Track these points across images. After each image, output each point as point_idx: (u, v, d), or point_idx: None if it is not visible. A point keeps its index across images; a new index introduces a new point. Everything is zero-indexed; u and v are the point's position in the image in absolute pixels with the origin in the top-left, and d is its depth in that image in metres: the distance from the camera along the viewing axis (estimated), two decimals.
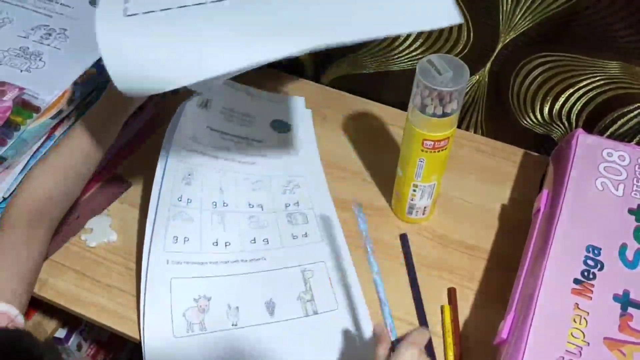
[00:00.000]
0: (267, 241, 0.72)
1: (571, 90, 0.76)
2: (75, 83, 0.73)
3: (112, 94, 0.67)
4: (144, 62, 0.54)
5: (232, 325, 0.65)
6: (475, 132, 0.87)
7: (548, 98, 0.78)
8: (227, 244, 0.71)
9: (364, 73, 0.88)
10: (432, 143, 0.66)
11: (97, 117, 0.68)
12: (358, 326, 0.66)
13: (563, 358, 0.55)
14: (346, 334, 0.66)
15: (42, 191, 0.65)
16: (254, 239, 0.72)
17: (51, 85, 0.72)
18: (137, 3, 0.57)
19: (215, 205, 0.73)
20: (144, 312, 0.64)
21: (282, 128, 0.82)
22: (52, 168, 0.66)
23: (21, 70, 0.73)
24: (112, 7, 0.57)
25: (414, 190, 0.72)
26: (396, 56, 0.83)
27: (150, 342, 0.63)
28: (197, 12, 0.56)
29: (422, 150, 0.67)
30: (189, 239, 0.70)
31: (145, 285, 0.65)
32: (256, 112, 0.84)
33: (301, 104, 0.87)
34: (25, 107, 0.69)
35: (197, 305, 0.66)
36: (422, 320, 0.68)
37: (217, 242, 0.71)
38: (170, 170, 0.71)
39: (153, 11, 0.56)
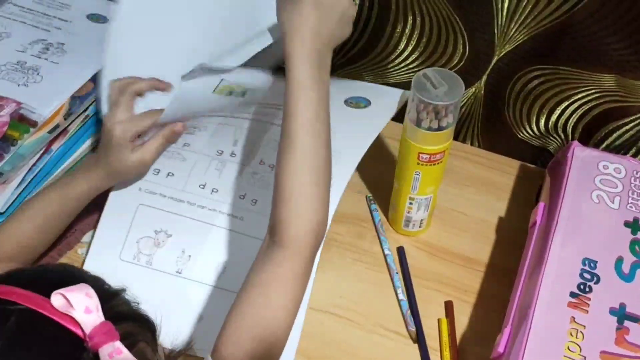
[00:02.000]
0: (255, 202, 0.66)
1: (567, 103, 0.77)
2: (72, 97, 0.74)
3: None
4: None
5: (176, 272, 0.63)
6: (471, 144, 0.88)
7: (544, 111, 0.78)
8: (214, 190, 0.66)
9: None
10: (428, 156, 0.67)
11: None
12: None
13: None
14: None
15: (18, 237, 0.63)
16: (244, 195, 0.66)
17: (48, 100, 0.72)
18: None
19: (221, 153, 0.68)
20: (100, 226, 0.64)
21: (359, 103, 0.71)
22: (29, 213, 0.64)
23: (19, 85, 0.74)
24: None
25: (411, 203, 0.72)
26: (393, 68, 0.84)
27: (95, 254, 0.64)
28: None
29: (418, 164, 0.68)
30: (173, 175, 0.66)
31: (107, 208, 0.64)
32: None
33: (395, 94, 0.75)
34: (22, 121, 0.70)
35: (155, 238, 0.64)
36: (419, 334, 0.67)
37: (204, 186, 0.66)
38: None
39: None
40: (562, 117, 0.79)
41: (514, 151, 0.84)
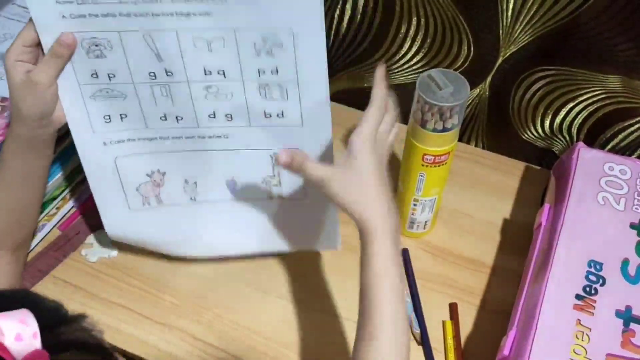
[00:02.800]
0: (231, 117, 0.59)
1: (572, 104, 0.76)
2: None
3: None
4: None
5: (190, 199, 0.63)
6: (476, 145, 0.87)
7: (549, 112, 0.78)
8: (179, 118, 0.59)
9: (364, 87, 0.88)
10: (433, 158, 0.66)
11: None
12: (323, 218, 0.61)
13: None
14: (310, 223, 0.62)
15: None
16: (214, 113, 0.59)
17: None
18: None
19: (155, 75, 0.57)
20: (94, 192, 0.64)
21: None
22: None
23: None
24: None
25: (415, 205, 0.72)
26: (396, 69, 0.84)
27: (107, 219, 0.65)
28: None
29: (423, 165, 0.67)
30: (126, 116, 0.59)
31: (88, 174, 0.62)
32: None
33: None
34: None
35: (151, 179, 0.63)
36: (424, 336, 0.67)
37: (165, 117, 0.59)
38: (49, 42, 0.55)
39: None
40: (567, 118, 0.78)
41: (519, 152, 0.84)
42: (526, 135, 0.82)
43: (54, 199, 0.75)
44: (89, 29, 0.55)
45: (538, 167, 0.84)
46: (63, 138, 0.73)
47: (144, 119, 0.60)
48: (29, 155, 0.60)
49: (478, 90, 0.81)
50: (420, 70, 0.82)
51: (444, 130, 0.64)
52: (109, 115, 0.59)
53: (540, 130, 0.81)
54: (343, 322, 0.69)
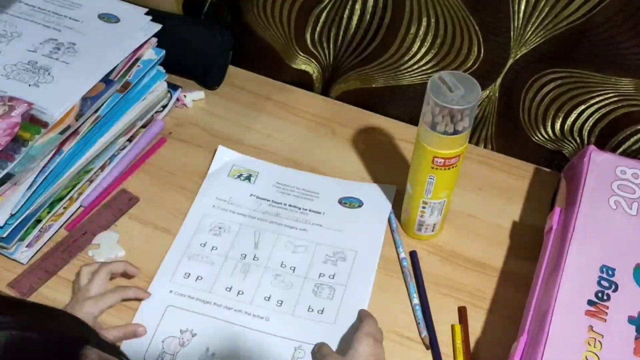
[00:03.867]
0: (281, 303, 0.69)
1: (583, 107, 0.76)
2: (83, 98, 0.73)
3: None
4: None
5: None
6: (485, 147, 0.87)
7: (559, 114, 0.77)
8: (240, 292, 0.70)
9: (373, 87, 0.87)
10: (443, 160, 0.66)
11: None
12: None
13: None
14: None
15: None
16: (269, 297, 0.70)
17: (59, 101, 0.72)
18: None
19: (245, 257, 0.73)
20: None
21: (352, 203, 0.78)
22: None
23: (29, 85, 0.73)
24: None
25: (424, 207, 0.71)
26: (406, 70, 0.83)
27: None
28: None
29: (433, 168, 0.67)
30: (202, 278, 0.71)
31: (142, 305, 0.68)
32: (324, 189, 0.80)
33: (390, 191, 0.80)
34: (33, 122, 0.69)
35: (180, 337, 0.66)
36: (433, 340, 0.67)
37: (230, 288, 0.70)
38: (194, 219, 0.76)
39: None
40: (579, 121, 0.77)
41: (529, 154, 0.83)
42: (536, 138, 0.81)
43: (61, 199, 0.74)
44: (223, 218, 0.76)
45: (548, 170, 0.83)
46: (70, 138, 0.73)
47: (213, 285, 0.70)
48: None
49: (488, 91, 0.80)
50: (430, 71, 0.81)
51: (455, 133, 0.63)
52: (189, 273, 0.71)
53: (550, 133, 0.80)
54: None
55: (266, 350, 0.66)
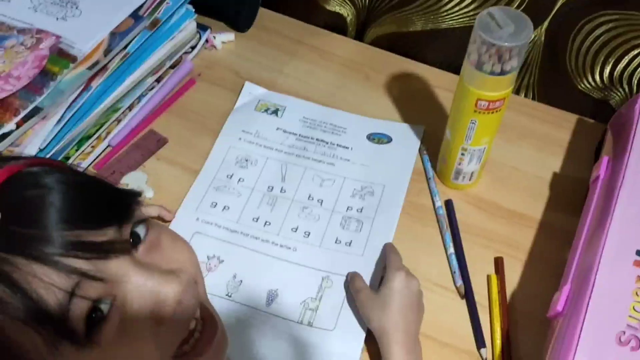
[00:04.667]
0: (308, 234, 0.69)
1: (635, 52, 0.71)
2: (112, 33, 0.71)
3: None
4: None
5: (226, 295, 0.64)
6: (526, 95, 0.83)
7: (609, 60, 0.73)
8: (267, 223, 0.69)
9: (410, 31, 0.84)
10: (487, 103, 0.63)
11: None
12: (346, 351, 0.61)
13: (624, 333, 0.51)
14: (332, 355, 0.61)
15: None
16: (297, 228, 0.69)
17: (88, 35, 0.69)
18: None
19: (272, 189, 0.72)
20: None
21: (381, 139, 0.77)
22: None
23: (57, 19, 0.71)
24: None
25: (463, 154, 0.69)
26: (446, 12, 0.79)
27: None
28: None
29: (475, 111, 0.64)
30: (229, 208, 0.70)
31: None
32: (352, 125, 0.78)
33: (418, 130, 0.78)
34: (61, 56, 0.67)
35: (207, 263, 0.65)
36: (468, 290, 0.65)
37: (257, 219, 0.70)
38: (220, 152, 0.75)
39: None
40: (629, 68, 0.73)
41: (572, 104, 0.79)
42: (582, 85, 0.77)
43: (89, 137, 0.73)
44: (249, 150, 0.75)
45: (592, 121, 0.79)
46: (99, 74, 0.71)
47: (240, 215, 0.70)
48: None
49: (533, 35, 0.76)
50: (472, 13, 0.77)
51: (502, 73, 0.60)
52: (216, 203, 0.70)
53: (598, 80, 0.76)
54: None
55: (294, 279, 0.65)
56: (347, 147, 0.76)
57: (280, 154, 0.75)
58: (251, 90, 0.81)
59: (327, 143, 0.77)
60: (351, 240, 0.68)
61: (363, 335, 0.62)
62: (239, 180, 0.73)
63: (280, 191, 0.72)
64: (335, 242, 0.68)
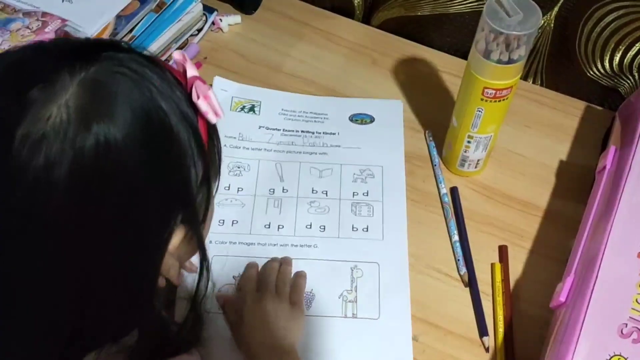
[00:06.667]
0: (324, 228, 0.68)
1: None
2: (118, 16, 0.70)
3: None
4: None
5: None
6: (534, 82, 0.82)
7: (620, 47, 0.72)
8: (280, 226, 0.68)
9: (418, 15, 0.83)
10: (494, 92, 0.62)
11: None
12: (395, 339, 0.61)
13: (626, 325, 0.52)
14: (381, 345, 0.61)
15: None
16: (310, 224, 0.68)
17: (93, 18, 0.69)
18: None
19: (273, 191, 0.71)
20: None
21: (364, 120, 0.77)
22: None
23: (63, 1, 0.71)
24: None
25: (469, 142, 0.68)
26: None
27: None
28: None
29: (482, 99, 0.63)
30: (237, 222, 0.68)
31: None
32: (331, 110, 0.78)
33: (397, 105, 0.79)
34: None
35: (235, 282, 0.64)
36: (472, 277, 0.65)
37: (269, 225, 0.68)
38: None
39: None
40: None
41: (580, 91, 0.79)
42: (591, 72, 0.77)
43: None
44: (238, 156, 0.73)
45: (600, 108, 0.79)
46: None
47: (251, 226, 0.68)
48: None
49: (542, 21, 0.75)
50: None
51: (509, 62, 0.59)
52: (224, 220, 0.68)
53: (607, 67, 0.75)
54: None
55: (324, 276, 0.65)
56: (333, 133, 0.76)
57: (270, 153, 0.74)
58: (221, 85, 0.78)
59: (312, 133, 0.76)
60: (367, 226, 0.68)
61: (409, 320, 0.62)
62: (238, 190, 0.71)
63: (283, 191, 0.71)
64: (353, 230, 0.68)
